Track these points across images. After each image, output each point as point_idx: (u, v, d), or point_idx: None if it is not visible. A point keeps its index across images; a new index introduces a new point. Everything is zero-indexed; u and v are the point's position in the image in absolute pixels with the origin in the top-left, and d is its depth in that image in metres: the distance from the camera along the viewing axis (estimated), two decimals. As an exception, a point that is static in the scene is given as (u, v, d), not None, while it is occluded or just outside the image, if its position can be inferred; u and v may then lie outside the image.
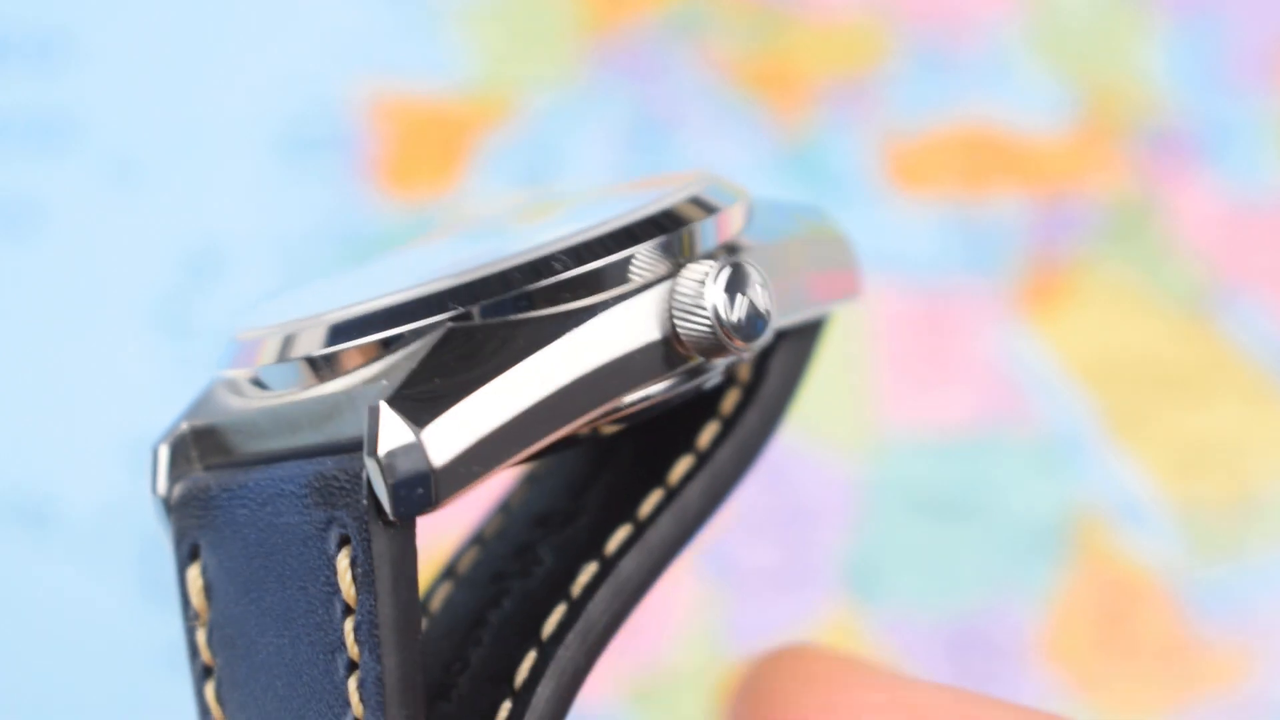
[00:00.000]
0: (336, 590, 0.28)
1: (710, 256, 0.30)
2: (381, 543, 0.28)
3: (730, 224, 0.31)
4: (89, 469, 0.58)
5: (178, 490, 0.31)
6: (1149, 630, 0.58)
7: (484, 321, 0.29)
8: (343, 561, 0.28)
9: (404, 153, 0.60)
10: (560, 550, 0.32)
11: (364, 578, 0.28)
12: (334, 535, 0.28)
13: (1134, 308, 0.60)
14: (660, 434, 0.32)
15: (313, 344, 0.29)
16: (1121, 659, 0.58)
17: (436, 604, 0.33)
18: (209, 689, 0.30)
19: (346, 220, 0.60)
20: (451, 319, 0.29)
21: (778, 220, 0.33)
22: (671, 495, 0.32)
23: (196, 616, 0.30)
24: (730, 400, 0.33)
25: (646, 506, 0.32)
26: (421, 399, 0.28)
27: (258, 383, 0.30)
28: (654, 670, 0.58)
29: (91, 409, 0.59)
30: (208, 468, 0.31)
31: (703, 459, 0.32)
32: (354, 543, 0.28)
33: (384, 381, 0.28)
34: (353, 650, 0.28)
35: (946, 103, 0.61)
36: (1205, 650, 0.58)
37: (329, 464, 0.28)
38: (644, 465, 0.32)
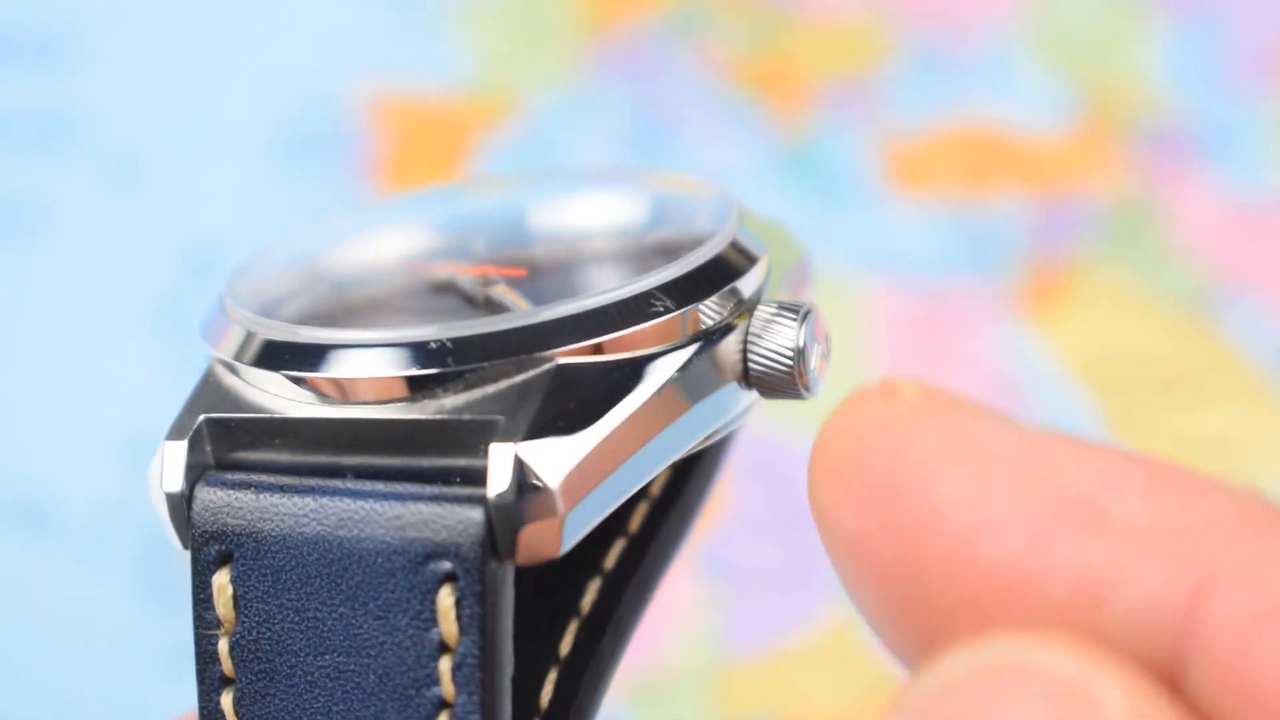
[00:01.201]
0: (432, 625, 0.27)
1: (761, 299, 0.31)
2: (494, 586, 0.27)
3: (768, 263, 0.32)
4: (89, 468, 0.58)
5: (202, 491, 0.29)
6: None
7: (587, 360, 0.29)
8: (446, 599, 0.27)
9: (404, 153, 0.60)
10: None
11: (470, 620, 0.27)
12: (435, 570, 0.27)
13: (1134, 308, 0.60)
14: None
15: (398, 362, 0.29)
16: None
17: None
18: (226, 699, 0.30)
19: (347, 220, 0.60)
20: (555, 354, 0.28)
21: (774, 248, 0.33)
22: (656, 506, 0.32)
23: (220, 625, 0.29)
24: None
25: (634, 520, 0.32)
26: (549, 443, 0.27)
27: (300, 383, 0.29)
28: (654, 670, 0.58)
29: (92, 409, 0.59)
30: (227, 466, 0.30)
31: (678, 468, 0.33)
32: (462, 582, 0.27)
33: (500, 418, 0.28)
34: (448, 690, 0.27)
35: (946, 103, 0.61)
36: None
37: (429, 494, 0.28)
38: None
